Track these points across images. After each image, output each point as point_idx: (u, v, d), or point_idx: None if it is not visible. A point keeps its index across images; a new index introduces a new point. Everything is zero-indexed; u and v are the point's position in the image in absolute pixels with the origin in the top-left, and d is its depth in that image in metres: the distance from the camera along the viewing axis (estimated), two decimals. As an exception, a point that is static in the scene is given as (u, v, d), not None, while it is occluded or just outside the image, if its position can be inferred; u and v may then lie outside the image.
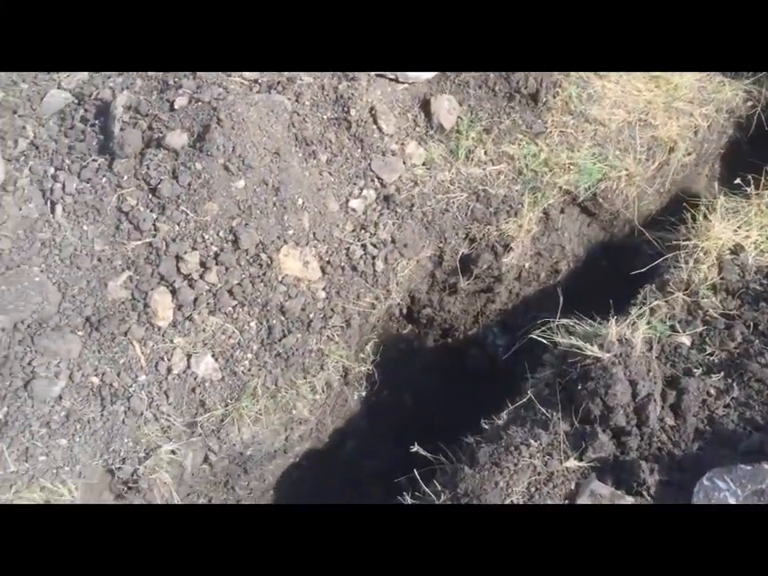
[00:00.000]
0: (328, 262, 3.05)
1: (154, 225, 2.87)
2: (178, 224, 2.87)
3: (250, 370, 2.88)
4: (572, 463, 2.35)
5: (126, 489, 2.73)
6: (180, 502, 2.87)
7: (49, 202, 2.93)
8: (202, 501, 2.96)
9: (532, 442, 2.48)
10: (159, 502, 2.84)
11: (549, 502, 2.28)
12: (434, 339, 3.46)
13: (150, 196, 2.90)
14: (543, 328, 2.76)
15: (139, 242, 2.86)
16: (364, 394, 3.02)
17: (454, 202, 3.27)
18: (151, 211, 2.90)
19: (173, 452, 2.81)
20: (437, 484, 2.50)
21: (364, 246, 3.12)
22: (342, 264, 3.08)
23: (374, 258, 3.11)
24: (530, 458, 2.43)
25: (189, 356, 2.86)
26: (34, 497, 2.54)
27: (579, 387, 2.55)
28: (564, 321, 2.73)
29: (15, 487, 2.55)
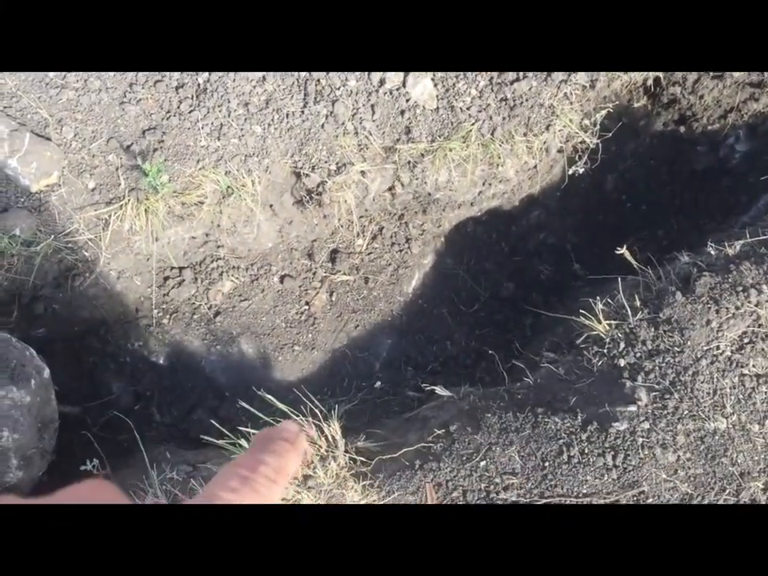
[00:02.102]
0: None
1: None
2: None
3: (469, 108, 3.04)
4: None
5: (308, 197, 3.15)
6: (357, 224, 3.33)
7: None
8: (373, 226, 3.42)
9: (765, 288, 2.81)
10: (336, 220, 3.30)
11: (759, 360, 2.70)
12: (665, 123, 3.51)
13: None
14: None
15: None
16: (578, 169, 3.22)
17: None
18: None
19: (363, 173, 3.15)
20: (636, 298, 2.89)
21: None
22: None
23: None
24: (757, 306, 2.78)
25: (406, 72, 3.00)
26: (218, 179, 2.96)
27: None
28: None
29: (202, 163, 2.94)
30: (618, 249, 2.89)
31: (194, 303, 3.23)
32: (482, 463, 2.51)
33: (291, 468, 0.72)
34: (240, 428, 2.41)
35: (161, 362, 3.20)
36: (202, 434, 2.64)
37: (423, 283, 3.56)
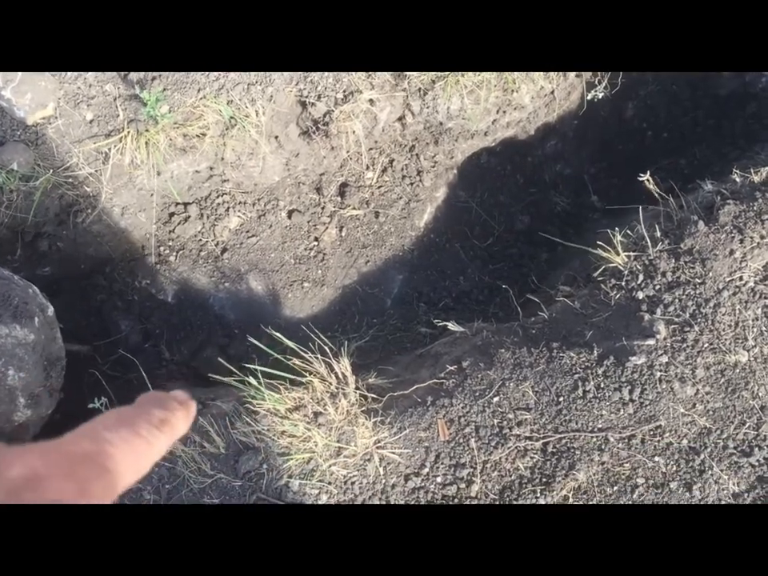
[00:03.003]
0: None
1: None
2: None
3: (483, 30, 2.89)
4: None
5: (314, 128, 3.02)
6: (366, 156, 3.21)
7: None
8: (383, 159, 3.30)
9: (792, 217, 2.68)
10: (345, 152, 3.18)
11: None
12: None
13: None
14: None
15: None
16: (598, 94, 3.06)
17: None
18: None
19: (371, 101, 3.02)
20: (656, 229, 2.77)
21: None
22: None
23: None
24: (784, 235, 2.66)
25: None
26: (220, 109, 2.84)
27: None
28: None
29: (203, 92, 2.82)
30: (641, 175, 2.76)
31: (200, 240, 3.16)
32: (495, 399, 2.46)
33: (178, 424, 0.68)
34: (248, 365, 2.37)
35: (169, 299, 3.15)
36: (211, 372, 2.60)
37: (435, 217, 3.46)
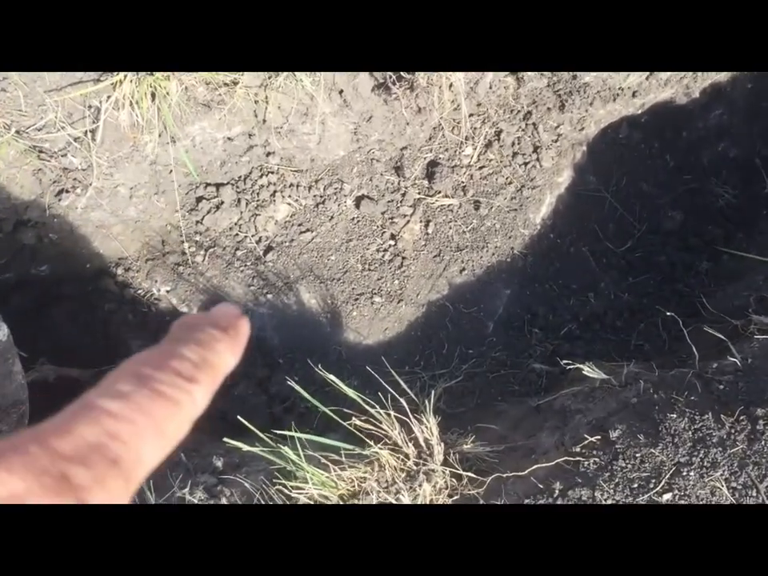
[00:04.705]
0: None
1: None
2: None
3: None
4: None
5: (395, 77, 2.18)
6: (466, 124, 2.34)
7: None
8: (487, 129, 2.42)
9: None
10: (436, 116, 2.31)
11: None
12: None
13: None
14: None
15: None
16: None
17: None
18: None
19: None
20: None
21: None
22: None
23: None
24: None
25: None
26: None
27: None
28: None
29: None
30: None
31: (237, 235, 2.39)
32: (666, 496, 1.57)
33: (222, 361, 0.51)
34: (282, 431, 1.56)
35: (194, 313, 2.38)
36: (245, 418, 1.78)
37: (556, 210, 2.60)
